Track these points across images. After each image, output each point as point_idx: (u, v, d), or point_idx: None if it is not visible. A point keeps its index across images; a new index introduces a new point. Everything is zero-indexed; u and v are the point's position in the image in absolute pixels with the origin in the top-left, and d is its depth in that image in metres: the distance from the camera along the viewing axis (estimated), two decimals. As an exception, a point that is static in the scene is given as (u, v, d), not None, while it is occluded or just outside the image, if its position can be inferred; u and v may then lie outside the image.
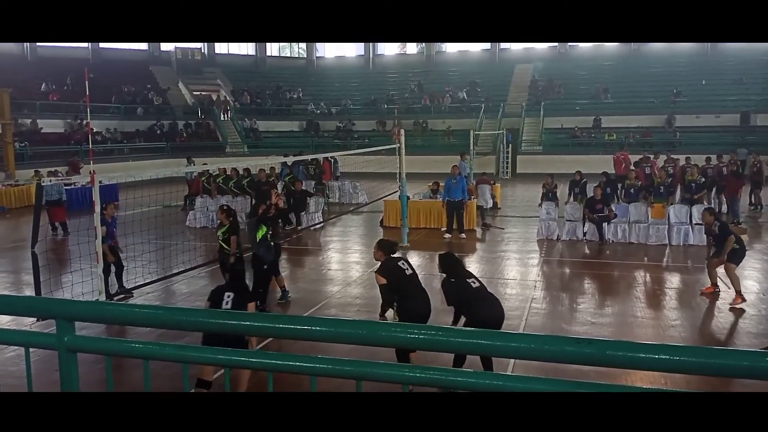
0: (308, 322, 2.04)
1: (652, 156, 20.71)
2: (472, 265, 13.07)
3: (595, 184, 15.29)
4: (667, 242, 14.34)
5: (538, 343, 1.81)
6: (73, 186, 20.13)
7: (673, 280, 11.73)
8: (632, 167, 18.62)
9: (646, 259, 13.28)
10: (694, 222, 14.34)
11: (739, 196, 17.30)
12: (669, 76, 36.53)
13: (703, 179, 17.28)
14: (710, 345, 2.07)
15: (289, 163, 20.70)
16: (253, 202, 15.94)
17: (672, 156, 20.77)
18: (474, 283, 6.56)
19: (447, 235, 15.24)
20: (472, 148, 24.45)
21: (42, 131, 31.40)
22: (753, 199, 19.46)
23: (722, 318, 9.13)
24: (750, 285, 11.15)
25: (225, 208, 10.28)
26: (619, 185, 16.80)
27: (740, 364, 1.58)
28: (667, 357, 1.65)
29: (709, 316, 9.26)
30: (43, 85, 34.82)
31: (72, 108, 32.87)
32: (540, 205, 16.15)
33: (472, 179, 20.12)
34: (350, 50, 47.26)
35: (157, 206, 15.81)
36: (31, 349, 2.39)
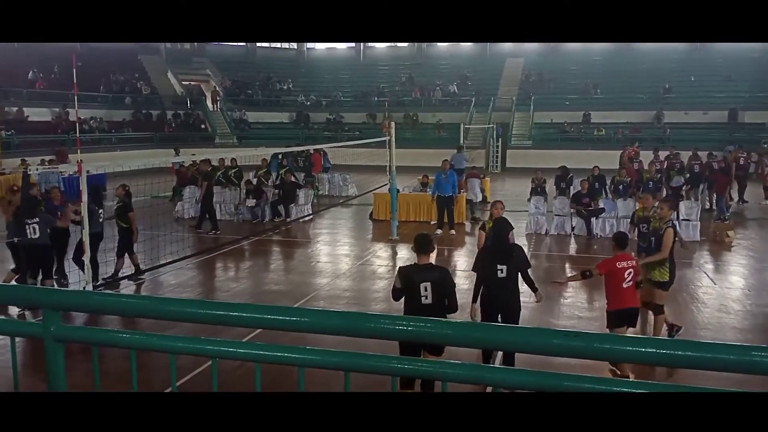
0: (296, 313, 2.03)
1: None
2: (461, 258, 13.12)
3: (583, 178, 15.38)
4: (655, 237, 14.43)
5: (526, 335, 1.82)
6: (60, 175, 19.97)
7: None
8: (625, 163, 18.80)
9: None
10: (681, 218, 14.44)
11: (726, 194, 17.46)
12: (658, 72, 36.68)
13: (689, 175, 17.46)
14: (696, 339, 2.08)
15: (281, 156, 20.70)
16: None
17: (659, 152, 20.89)
18: (501, 272, 6.43)
19: (438, 231, 15.04)
20: (462, 141, 24.47)
21: (29, 120, 31.10)
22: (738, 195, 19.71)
23: (708, 313, 9.22)
24: (736, 281, 11.27)
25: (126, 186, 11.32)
26: (608, 180, 16.88)
27: (726, 358, 1.59)
28: (654, 350, 1.66)
29: (695, 311, 9.33)
30: (30, 73, 34.43)
31: (59, 96, 32.55)
32: (529, 199, 16.21)
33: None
34: (341, 42, 47.13)
35: (145, 196, 15.70)
36: (17, 339, 2.37)
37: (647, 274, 7.85)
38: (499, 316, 6.52)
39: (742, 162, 18.45)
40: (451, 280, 5.74)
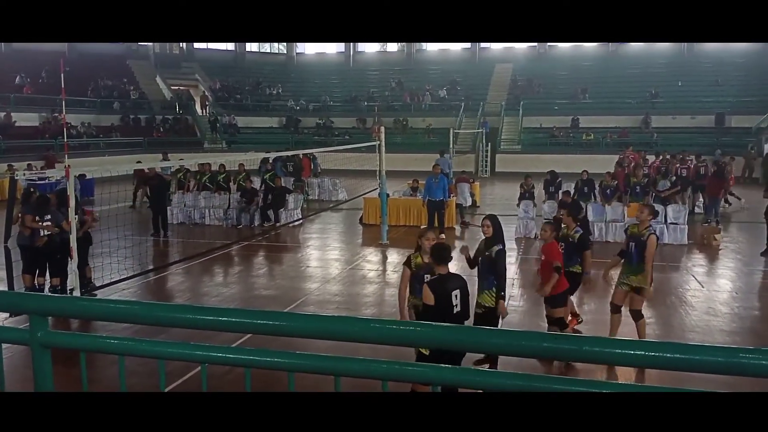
0: (286, 317, 2.03)
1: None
2: (451, 263, 13.10)
3: (565, 190, 15.37)
4: (643, 241, 14.52)
5: (516, 338, 1.82)
6: (47, 180, 19.86)
7: (649, 279, 11.86)
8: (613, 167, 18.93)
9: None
10: (668, 221, 14.54)
11: (720, 197, 17.61)
12: (646, 77, 36.97)
13: (674, 178, 17.59)
14: (684, 342, 2.09)
15: (271, 160, 20.66)
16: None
17: (648, 156, 21.06)
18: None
19: (429, 236, 15.13)
20: (451, 146, 24.54)
21: (16, 125, 30.87)
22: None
23: (696, 316, 9.27)
24: (723, 284, 11.35)
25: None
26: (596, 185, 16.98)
27: (714, 360, 1.60)
28: (643, 353, 1.67)
29: (683, 314, 9.38)
30: (18, 77, 34.18)
31: (47, 101, 32.35)
32: (518, 204, 16.26)
33: (451, 177, 20.17)
34: (331, 47, 47.04)
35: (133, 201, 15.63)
36: (3, 345, 2.35)
37: (624, 278, 7.78)
38: None
39: (702, 171, 18.61)
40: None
